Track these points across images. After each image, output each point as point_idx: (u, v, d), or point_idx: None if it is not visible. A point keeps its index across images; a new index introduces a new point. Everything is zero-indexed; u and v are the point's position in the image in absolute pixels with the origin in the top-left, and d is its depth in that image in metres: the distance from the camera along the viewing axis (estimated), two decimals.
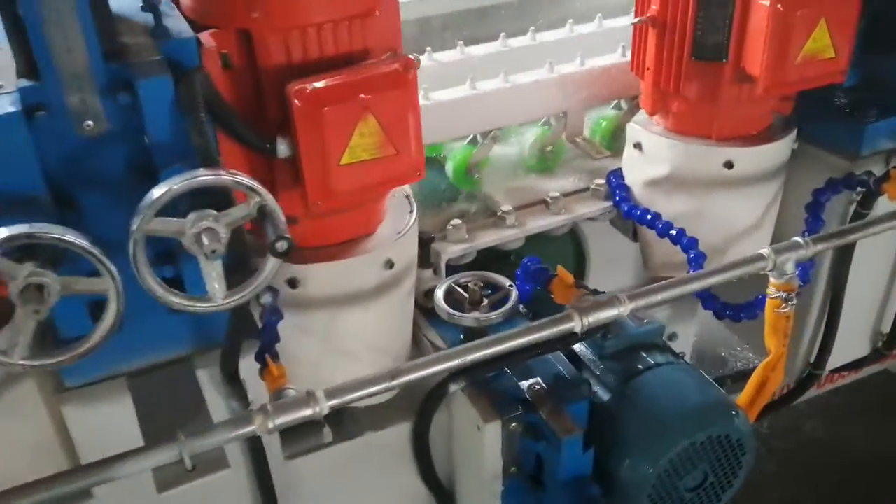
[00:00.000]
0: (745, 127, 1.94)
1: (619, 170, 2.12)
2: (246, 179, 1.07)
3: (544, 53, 2.22)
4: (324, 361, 1.66)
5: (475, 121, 2.09)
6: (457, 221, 1.96)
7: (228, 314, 1.32)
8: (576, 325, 1.46)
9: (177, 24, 1.28)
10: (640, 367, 1.76)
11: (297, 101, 1.27)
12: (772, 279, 1.66)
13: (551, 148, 2.24)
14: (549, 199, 2.06)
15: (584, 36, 2.31)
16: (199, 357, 1.43)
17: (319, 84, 1.29)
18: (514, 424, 1.63)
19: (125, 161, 1.21)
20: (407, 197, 1.76)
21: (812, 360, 2.33)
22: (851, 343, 2.40)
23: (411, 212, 1.71)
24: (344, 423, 1.83)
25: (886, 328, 2.42)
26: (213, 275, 1.09)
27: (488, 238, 1.98)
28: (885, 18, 1.85)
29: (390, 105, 1.35)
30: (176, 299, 1.10)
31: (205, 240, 1.05)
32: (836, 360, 2.39)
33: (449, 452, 1.82)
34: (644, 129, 2.01)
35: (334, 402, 1.29)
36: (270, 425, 1.24)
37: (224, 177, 1.04)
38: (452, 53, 2.33)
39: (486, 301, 1.70)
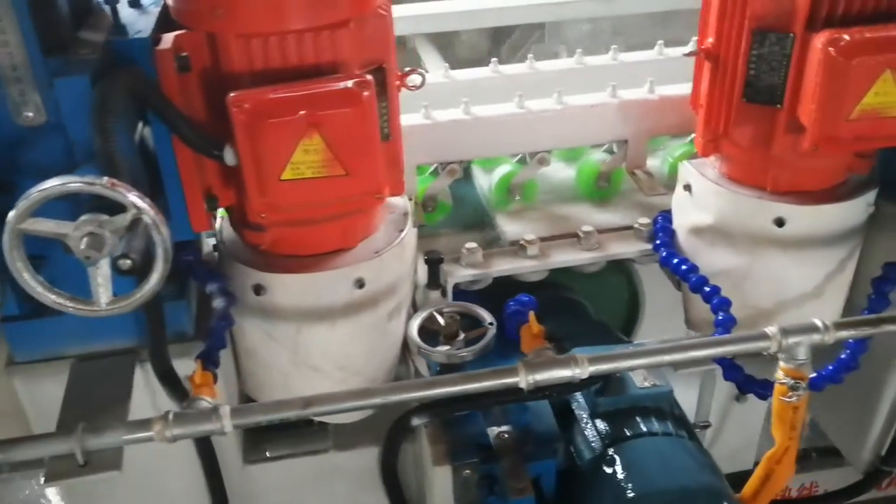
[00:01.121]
0: (803, 182, 1.69)
1: (670, 212, 1.93)
2: (122, 191, 1.05)
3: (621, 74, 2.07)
4: (294, 373, 1.64)
5: (518, 140, 1.98)
6: (472, 245, 1.86)
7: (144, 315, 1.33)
8: (520, 380, 1.34)
9: (143, 22, 1.29)
10: (630, 433, 1.60)
11: (235, 112, 1.25)
12: (781, 363, 1.44)
13: (606, 178, 2.08)
14: (581, 234, 1.91)
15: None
16: (144, 351, 1.45)
17: (262, 96, 1.25)
18: (467, 471, 1.53)
19: (64, 151, 1.23)
20: (405, 215, 1.70)
21: (883, 453, 2.02)
22: None
23: (401, 231, 1.64)
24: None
25: None
26: (98, 279, 1.09)
27: (504, 266, 1.87)
28: None
29: (339, 124, 1.29)
30: (55, 298, 1.11)
31: (82, 245, 1.05)
32: None
33: (419, 481, 1.75)
34: (695, 171, 1.81)
35: (240, 421, 1.26)
36: (169, 434, 1.23)
37: (97, 186, 1.03)
38: (518, 67, 2.24)
39: (462, 336, 1.60)
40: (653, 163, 2.18)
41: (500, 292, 1.95)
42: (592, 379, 1.40)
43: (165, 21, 1.38)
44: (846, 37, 1.41)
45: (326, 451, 1.72)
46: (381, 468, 1.71)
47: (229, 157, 1.31)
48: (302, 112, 1.25)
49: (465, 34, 4.74)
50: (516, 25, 4.18)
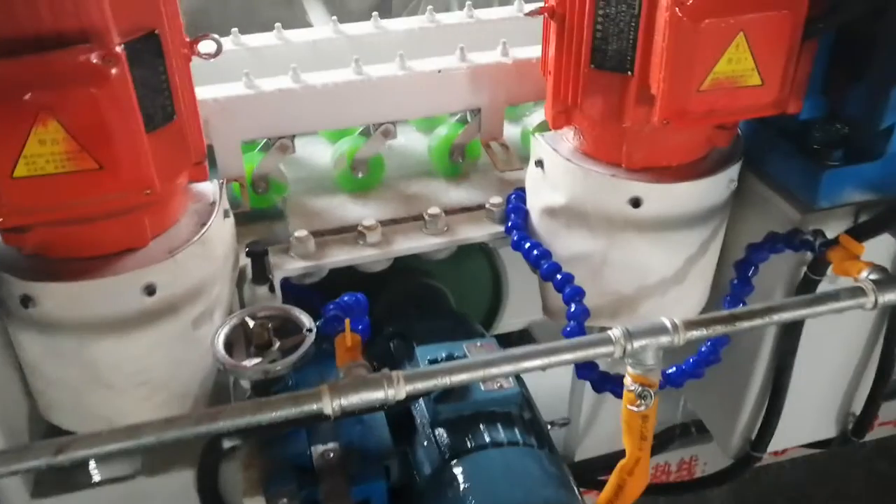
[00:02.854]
0: (660, 158, 1.53)
1: (525, 189, 1.75)
2: None
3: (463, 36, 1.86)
4: (86, 390, 1.40)
5: (356, 111, 1.76)
6: (302, 233, 1.64)
7: None
8: (325, 405, 1.14)
9: None
10: (472, 444, 1.43)
11: None
12: (628, 367, 1.29)
13: (461, 152, 1.88)
14: (426, 216, 1.71)
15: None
16: None
17: None
18: (283, 500, 1.34)
19: None
20: (212, 204, 1.47)
21: (753, 437, 1.93)
22: (807, 422, 1.98)
23: (204, 224, 1.41)
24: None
25: (858, 408, 1.98)
26: None
27: (339, 257, 1.66)
28: (846, 37, 1.40)
29: (82, 108, 1.04)
30: None
31: None
32: (787, 439, 1.98)
33: None
34: (547, 145, 1.63)
35: None
36: None
37: None
38: (364, 26, 2.01)
39: (276, 344, 1.39)
40: (513, 132, 2.01)
41: (345, 283, 1.76)
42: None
43: None
44: None
45: (134, 477, 1.49)
46: (200, 494, 1.50)
47: None
48: (29, 94, 1.00)
49: None
50: None
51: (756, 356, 1.79)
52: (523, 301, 2.07)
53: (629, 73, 1.40)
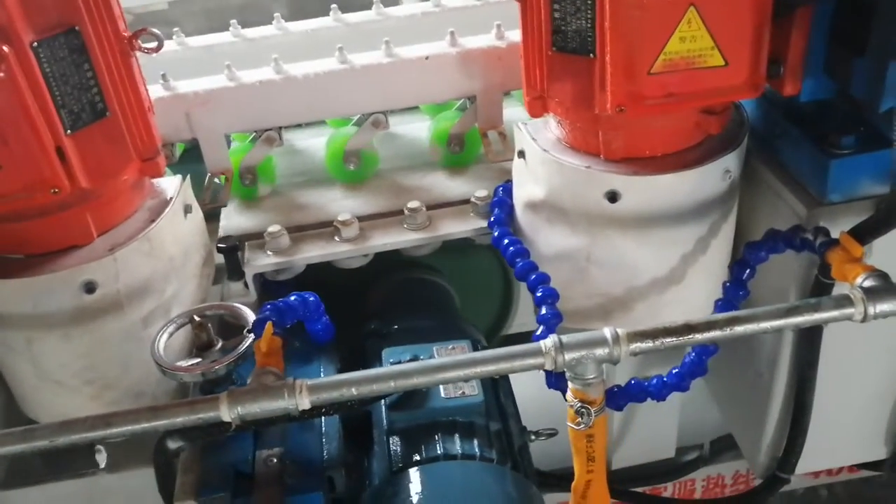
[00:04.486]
0: (641, 147, 1.38)
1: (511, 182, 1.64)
2: None
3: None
4: (41, 387, 1.42)
5: (342, 101, 1.69)
6: (275, 228, 1.60)
7: None
8: (223, 413, 1.10)
9: None
10: (420, 456, 1.35)
11: None
12: (570, 382, 1.16)
13: (459, 141, 1.79)
14: (406, 210, 1.63)
15: None
16: None
17: None
18: None
19: None
20: (170, 200, 1.45)
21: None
22: (848, 441, 1.76)
23: (153, 221, 1.39)
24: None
25: None
26: None
27: (313, 252, 1.60)
28: (846, 7, 1.20)
29: None
30: None
31: None
32: (824, 460, 1.77)
33: None
34: (528, 135, 1.51)
35: None
36: None
37: None
38: (364, 14, 1.94)
39: (219, 344, 1.36)
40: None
41: (341, 279, 1.72)
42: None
43: None
44: None
45: (95, 473, 1.51)
46: (161, 492, 1.49)
47: None
48: None
49: None
50: None
51: (775, 367, 1.61)
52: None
53: (591, 55, 1.27)
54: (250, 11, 2.88)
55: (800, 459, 1.68)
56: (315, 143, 1.94)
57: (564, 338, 1.12)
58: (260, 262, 1.59)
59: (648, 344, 1.13)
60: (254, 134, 1.74)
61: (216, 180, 1.71)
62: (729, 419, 1.95)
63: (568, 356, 1.11)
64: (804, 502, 2.65)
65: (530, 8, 1.32)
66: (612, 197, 1.38)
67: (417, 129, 1.96)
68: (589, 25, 1.24)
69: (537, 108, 1.45)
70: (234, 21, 1.89)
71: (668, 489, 2.36)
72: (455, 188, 1.75)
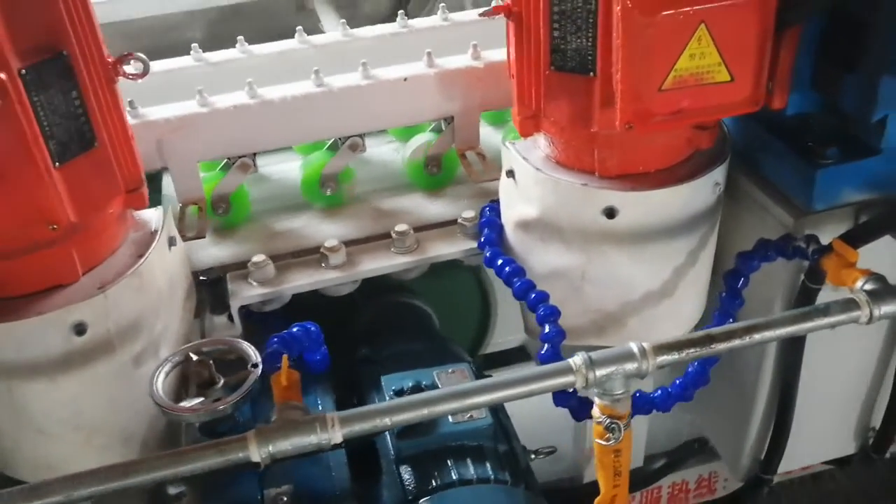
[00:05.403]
0: (635, 163, 1.40)
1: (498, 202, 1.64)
2: None
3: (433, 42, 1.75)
4: (21, 437, 1.32)
5: (319, 125, 1.66)
6: (260, 257, 1.55)
7: None
8: (252, 453, 1.04)
9: None
10: (435, 483, 1.32)
11: None
12: (596, 399, 1.16)
13: (437, 163, 1.77)
14: (394, 234, 1.61)
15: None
16: None
17: None
18: None
19: None
20: (154, 233, 1.38)
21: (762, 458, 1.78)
22: (823, 439, 1.83)
23: (141, 256, 1.32)
24: None
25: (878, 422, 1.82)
26: None
27: (300, 281, 1.56)
28: (837, 24, 1.26)
29: None
30: None
31: None
32: (801, 458, 1.83)
33: None
34: (517, 154, 1.51)
35: None
36: None
37: None
38: (329, 36, 1.92)
39: (220, 382, 1.30)
40: (495, 140, 1.89)
41: (322, 306, 1.66)
42: None
43: None
44: None
45: None
46: None
47: None
48: None
49: None
50: None
51: (759, 372, 1.66)
52: (516, 317, 1.95)
53: (591, 74, 1.28)
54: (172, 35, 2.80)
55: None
56: (281, 169, 1.89)
57: (594, 355, 1.12)
58: (245, 293, 1.53)
59: (674, 356, 1.14)
60: (224, 161, 1.68)
61: (188, 210, 1.64)
62: (706, 424, 1.99)
63: (598, 373, 1.11)
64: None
65: (527, 27, 1.32)
66: (610, 213, 1.40)
67: (386, 152, 1.93)
68: (590, 44, 1.26)
69: (529, 126, 1.46)
70: (195, 45, 1.83)
71: (635, 498, 2.39)
72: (435, 209, 1.74)
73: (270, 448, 1.04)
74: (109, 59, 1.23)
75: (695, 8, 1.10)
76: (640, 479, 2.29)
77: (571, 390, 1.40)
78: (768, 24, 1.15)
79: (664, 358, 1.13)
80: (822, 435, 1.82)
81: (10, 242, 1.11)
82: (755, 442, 1.76)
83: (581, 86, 1.31)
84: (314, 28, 3.86)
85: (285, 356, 1.19)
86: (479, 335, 2.02)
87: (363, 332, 1.78)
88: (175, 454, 1.04)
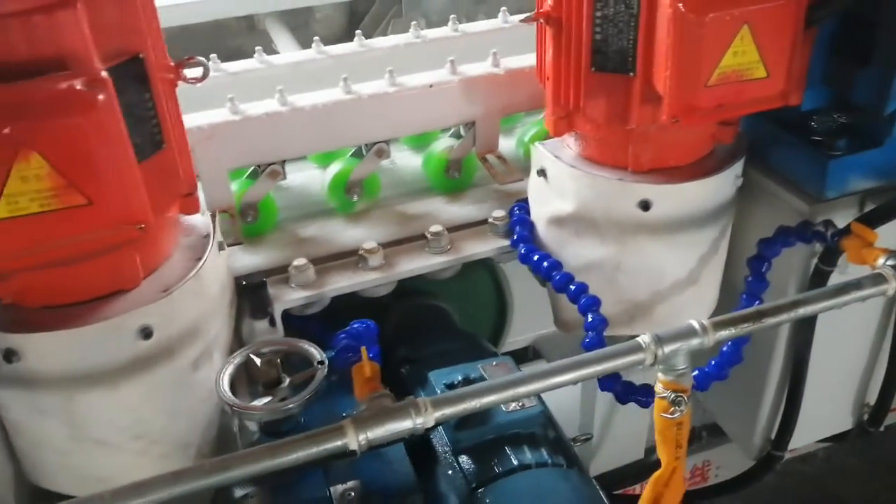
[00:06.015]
0: (667, 158, 1.49)
1: (527, 200, 1.70)
2: None
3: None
4: (74, 450, 1.30)
5: (347, 131, 1.69)
6: (301, 261, 1.57)
7: None
8: (350, 441, 1.07)
9: None
10: (499, 469, 1.36)
11: None
12: (659, 374, 1.23)
13: (457, 167, 1.82)
14: (429, 235, 1.65)
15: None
16: None
17: None
18: None
19: None
20: (206, 237, 1.39)
21: (773, 436, 1.88)
22: (826, 416, 1.94)
23: (199, 259, 1.33)
24: None
25: (873, 398, 1.93)
26: None
27: (341, 283, 1.58)
28: (850, 23, 1.37)
29: (67, 139, 0.96)
30: None
31: None
32: (807, 435, 1.93)
33: None
34: (549, 153, 1.58)
35: None
36: None
37: None
38: (348, 46, 1.95)
39: (286, 381, 1.31)
40: (509, 144, 1.95)
41: (343, 311, 1.68)
42: None
43: None
44: None
45: None
46: None
47: None
48: (7, 128, 0.92)
49: (320, 11, 4.40)
50: None
51: (772, 351, 1.75)
52: (528, 316, 2.01)
53: (631, 73, 1.36)
54: None
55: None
56: (298, 178, 1.91)
57: (660, 332, 1.18)
58: (287, 297, 1.54)
59: (730, 331, 1.21)
60: (252, 168, 1.69)
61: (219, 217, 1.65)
62: (715, 408, 2.07)
63: (666, 349, 1.17)
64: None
65: (567, 31, 1.39)
66: (645, 205, 1.47)
67: (400, 158, 1.97)
68: (630, 46, 1.34)
69: (562, 126, 1.52)
70: (213, 55, 1.84)
71: (636, 490, 2.46)
72: (459, 212, 1.78)
73: (369, 434, 1.07)
74: (171, 63, 1.25)
75: (740, 9, 1.19)
76: (642, 470, 2.37)
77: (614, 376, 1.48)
78: (800, 22, 1.25)
79: (722, 333, 1.21)
80: (825, 412, 1.92)
81: (91, 245, 1.11)
82: (767, 420, 1.85)
83: (620, 85, 1.38)
84: (267, 48, 3.88)
85: (364, 348, 1.22)
86: (495, 334, 2.06)
87: (393, 334, 1.81)
88: (271, 448, 1.05)
